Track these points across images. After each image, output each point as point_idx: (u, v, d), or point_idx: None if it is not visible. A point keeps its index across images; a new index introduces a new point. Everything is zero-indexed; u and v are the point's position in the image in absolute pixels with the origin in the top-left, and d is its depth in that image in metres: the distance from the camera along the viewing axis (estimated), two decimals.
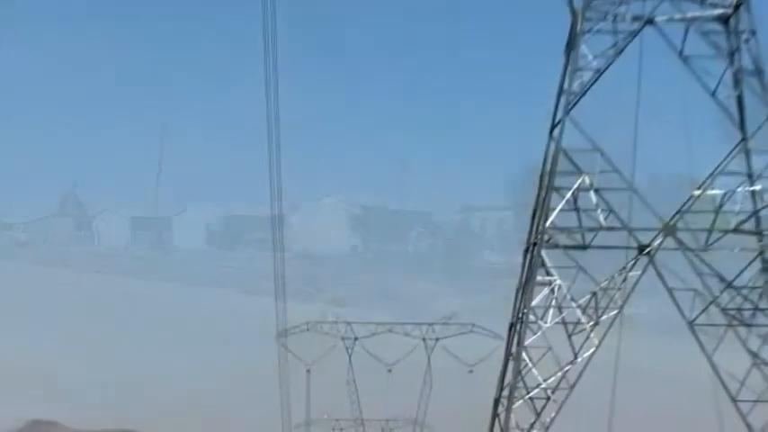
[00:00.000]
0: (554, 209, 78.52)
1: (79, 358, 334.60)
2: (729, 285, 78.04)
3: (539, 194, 79.51)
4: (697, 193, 78.69)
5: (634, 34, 79.23)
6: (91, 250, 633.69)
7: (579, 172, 78.69)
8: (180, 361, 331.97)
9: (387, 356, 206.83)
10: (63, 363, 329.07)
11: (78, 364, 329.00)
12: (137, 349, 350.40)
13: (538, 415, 79.15)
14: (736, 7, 78.86)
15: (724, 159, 78.78)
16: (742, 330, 78.34)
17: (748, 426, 78.28)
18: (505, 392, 79.43)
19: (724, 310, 78.33)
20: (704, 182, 78.74)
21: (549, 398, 79.01)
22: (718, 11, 79.10)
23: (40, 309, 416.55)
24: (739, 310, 78.25)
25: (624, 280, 78.96)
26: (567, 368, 78.83)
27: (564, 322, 79.44)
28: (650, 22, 79.33)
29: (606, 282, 79.20)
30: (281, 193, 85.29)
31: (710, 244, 78.38)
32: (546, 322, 79.46)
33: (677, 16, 79.34)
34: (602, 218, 78.64)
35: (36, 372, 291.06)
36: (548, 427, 79.13)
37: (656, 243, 78.30)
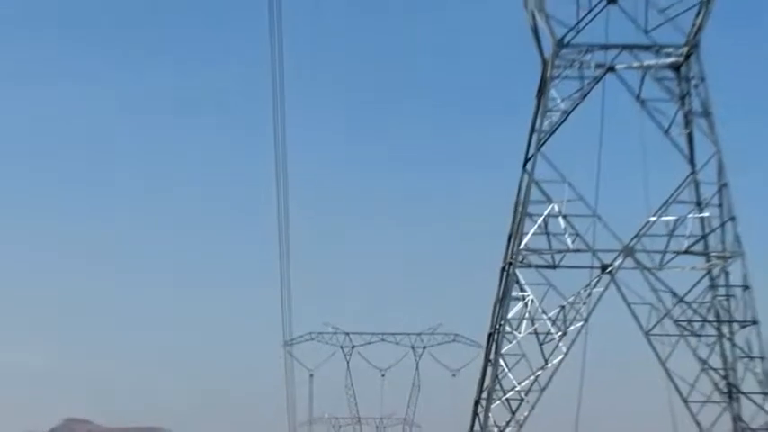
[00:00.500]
0: (527, 233, 79.88)
1: None
2: (681, 300, 78.98)
3: (513, 220, 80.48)
4: (653, 219, 79.62)
5: (597, 80, 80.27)
6: None
7: (549, 200, 79.85)
8: None
9: (380, 362, 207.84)
10: None
11: None
12: None
13: (513, 414, 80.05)
14: (687, 56, 79.96)
15: (676, 189, 79.71)
16: (692, 340, 79.14)
17: (698, 424, 79.06)
18: (484, 394, 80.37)
19: (676, 322, 79.10)
20: (659, 209, 79.59)
21: (522, 399, 79.91)
22: (671, 60, 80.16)
23: None
24: (689, 321, 79.03)
25: (588, 295, 79.91)
26: (538, 373, 79.75)
27: (536, 332, 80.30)
28: (611, 69, 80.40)
29: (573, 297, 80.00)
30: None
31: (664, 264, 79.47)
32: (520, 332, 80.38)
33: (635, 64, 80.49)
34: (569, 241, 79.77)
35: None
36: (522, 425, 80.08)
37: (617, 263, 79.35)
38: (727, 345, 79.03)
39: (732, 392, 78.92)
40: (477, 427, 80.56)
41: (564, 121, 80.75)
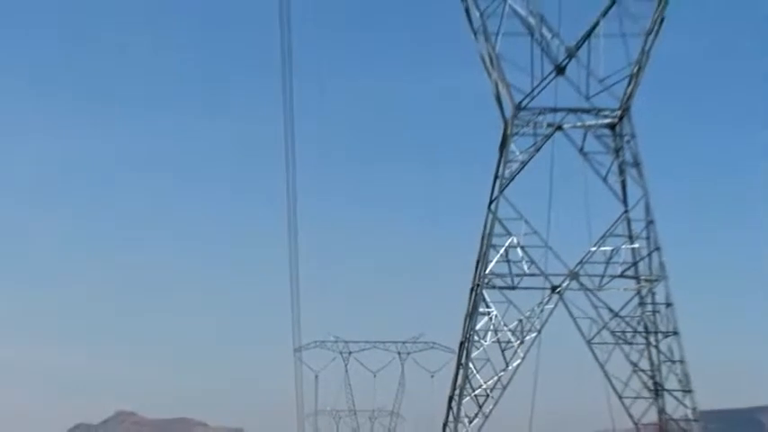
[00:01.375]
0: (491, 260, 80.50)
1: None
2: (616, 315, 79.70)
3: (480, 250, 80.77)
4: (593, 249, 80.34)
5: (548, 137, 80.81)
6: None
7: (509, 234, 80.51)
8: None
9: (372, 365, 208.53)
10: None
11: None
12: None
13: (480, 408, 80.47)
14: (621, 118, 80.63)
15: (612, 225, 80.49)
16: (625, 347, 79.85)
17: (630, 415, 79.88)
18: (457, 391, 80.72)
19: (612, 333, 79.82)
20: (598, 241, 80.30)
21: (488, 395, 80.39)
22: (608, 120, 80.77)
23: None
24: (623, 332, 79.76)
25: (541, 311, 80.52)
26: (500, 374, 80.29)
27: (498, 341, 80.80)
28: (560, 128, 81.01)
29: (528, 312, 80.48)
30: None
31: (603, 285, 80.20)
32: (486, 341, 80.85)
33: (579, 124, 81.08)
34: (525, 267, 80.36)
35: None
36: (487, 416, 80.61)
37: (564, 285, 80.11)
38: (653, 351, 79.52)
39: (658, 390, 79.62)
40: (450, 418, 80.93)
41: (521, 169, 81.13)
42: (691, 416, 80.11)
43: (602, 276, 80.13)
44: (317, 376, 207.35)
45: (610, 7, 79.69)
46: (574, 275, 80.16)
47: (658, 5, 79.13)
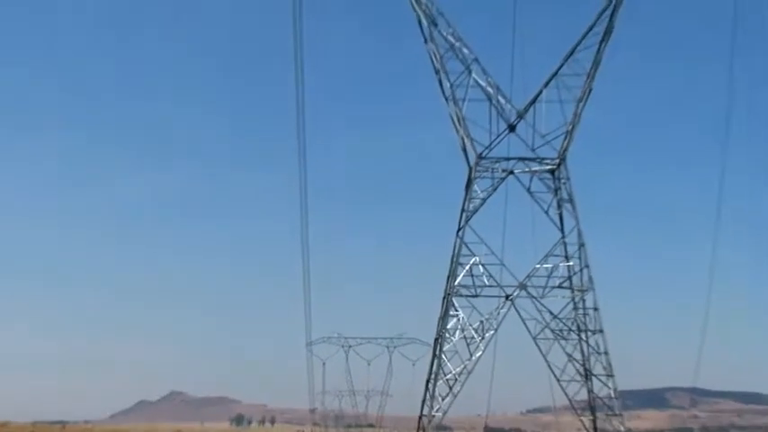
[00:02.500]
0: (459, 275, 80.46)
1: None
2: (555, 317, 79.94)
3: (450, 267, 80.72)
4: (538, 266, 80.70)
5: (502, 180, 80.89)
6: None
7: (473, 254, 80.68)
8: None
9: (367, 356, 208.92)
10: None
11: None
12: None
13: (450, 389, 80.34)
14: (559, 165, 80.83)
15: (552, 247, 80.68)
16: (563, 342, 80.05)
17: (566, 394, 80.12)
18: (432, 376, 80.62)
19: (552, 331, 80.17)
20: (542, 260, 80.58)
21: (456, 379, 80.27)
22: (549, 167, 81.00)
23: None
24: (561, 330, 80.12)
25: (498, 314, 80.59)
26: (466, 363, 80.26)
27: (465, 337, 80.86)
28: (512, 173, 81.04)
29: (488, 315, 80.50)
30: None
31: (545, 294, 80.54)
32: (455, 338, 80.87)
33: (526, 170, 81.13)
34: (485, 279, 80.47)
35: None
36: (456, 395, 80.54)
37: (515, 294, 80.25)
38: (584, 345, 79.58)
39: (587, 375, 79.72)
40: (427, 396, 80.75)
41: (482, 205, 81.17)
42: (612, 395, 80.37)
43: (545, 287, 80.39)
44: (324, 364, 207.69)
45: (550, 80, 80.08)
46: (523, 286, 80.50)
47: (587, 79, 79.66)
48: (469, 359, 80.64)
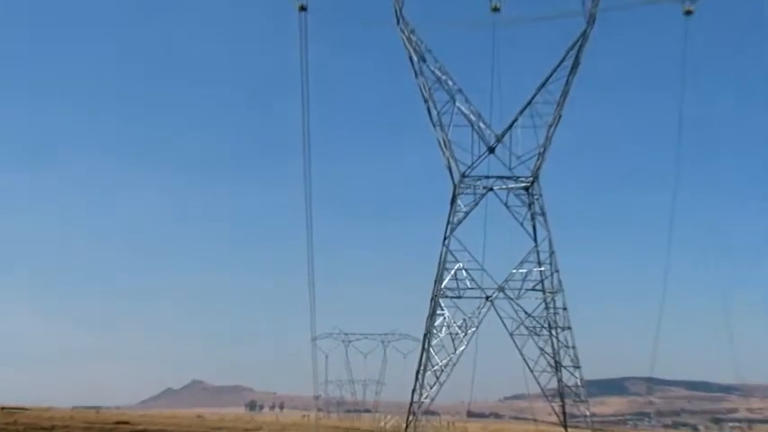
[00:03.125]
0: (445, 279, 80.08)
1: None
2: (529, 315, 79.61)
3: (438, 272, 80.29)
4: (514, 271, 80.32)
5: (483, 195, 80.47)
6: None
7: (457, 261, 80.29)
8: None
9: (364, 350, 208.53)
10: None
11: None
12: None
13: (437, 379, 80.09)
14: (532, 183, 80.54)
15: (527, 255, 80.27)
16: (536, 337, 79.63)
17: (538, 383, 79.73)
18: (422, 368, 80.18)
19: (527, 328, 79.85)
20: (517, 265, 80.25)
21: (443, 370, 79.87)
22: (523, 184, 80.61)
23: None
24: (534, 327, 79.81)
25: (479, 313, 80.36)
26: (451, 356, 80.00)
27: (450, 334, 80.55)
28: (491, 189, 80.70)
29: (470, 314, 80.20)
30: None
31: (521, 296, 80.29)
32: (441, 334, 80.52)
33: (504, 187, 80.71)
34: (468, 283, 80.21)
35: None
36: (442, 384, 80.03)
37: (494, 295, 79.93)
38: (554, 340, 79.37)
39: (557, 366, 79.53)
40: (417, 385, 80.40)
41: (465, 218, 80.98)
42: (579, 384, 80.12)
43: (520, 289, 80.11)
44: (326, 357, 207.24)
45: (525, 108, 79.92)
46: (501, 289, 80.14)
47: (557, 107, 79.50)
48: (454, 353, 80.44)
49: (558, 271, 79.95)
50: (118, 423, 64.24)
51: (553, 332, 79.44)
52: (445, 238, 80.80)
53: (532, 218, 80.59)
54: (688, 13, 76.60)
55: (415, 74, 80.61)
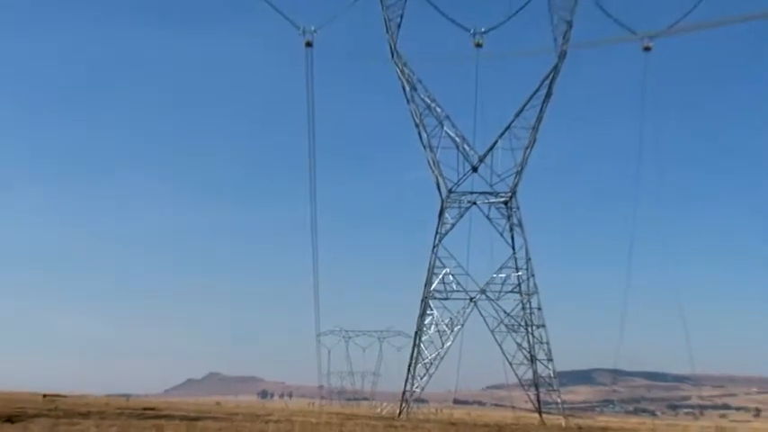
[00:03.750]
0: (434, 282, 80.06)
1: None
2: (508, 314, 79.45)
3: (427, 276, 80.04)
4: (495, 275, 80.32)
5: (467, 209, 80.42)
6: None
7: (444, 266, 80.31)
8: None
9: (362, 344, 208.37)
10: None
11: None
12: None
13: (427, 371, 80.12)
14: (511, 197, 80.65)
15: (506, 261, 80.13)
16: (514, 334, 79.47)
17: (516, 374, 79.56)
18: (413, 361, 79.99)
19: (506, 325, 79.71)
20: (498, 270, 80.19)
21: (432, 363, 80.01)
22: (503, 199, 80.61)
23: None
24: (512, 325, 79.60)
25: (464, 313, 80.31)
26: (439, 350, 79.95)
27: (438, 331, 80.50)
28: (474, 204, 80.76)
29: (456, 313, 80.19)
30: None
31: (500, 297, 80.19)
32: (430, 331, 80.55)
33: (486, 201, 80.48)
34: (454, 286, 79.93)
35: None
36: (431, 375, 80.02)
37: (477, 297, 79.95)
38: (530, 336, 79.28)
39: (533, 359, 79.42)
40: (409, 377, 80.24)
41: (451, 228, 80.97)
42: (552, 375, 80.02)
43: (500, 292, 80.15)
44: (329, 351, 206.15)
45: (504, 132, 80.00)
46: (483, 291, 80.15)
47: (532, 131, 79.66)
48: (442, 347, 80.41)
49: (533, 275, 80.00)
50: (145, 409, 63.96)
51: (529, 329, 79.38)
52: (434, 247, 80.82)
53: (511, 229, 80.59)
54: (646, 49, 76.88)
55: (408, 101, 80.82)
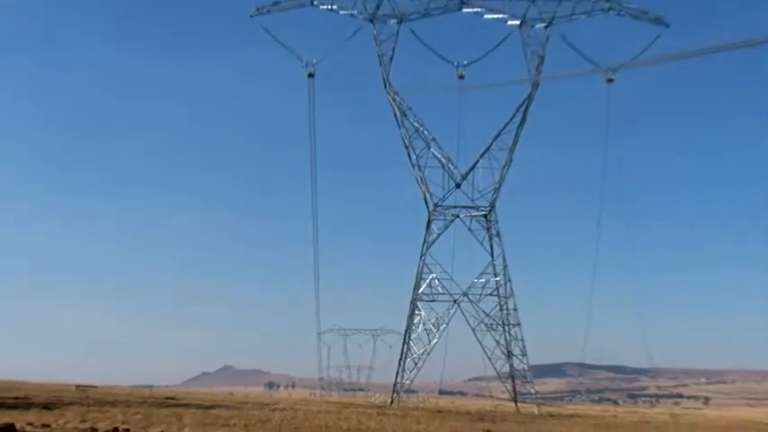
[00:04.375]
0: (422, 286, 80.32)
1: None
2: (487, 315, 79.73)
3: (416, 280, 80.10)
4: (476, 280, 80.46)
5: (452, 221, 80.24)
6: None
7: (431, 272, 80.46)
8: None
9: (358, 341, 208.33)
10: None
11: None
12: None
13: (416, 365, 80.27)
14: (490, 211, 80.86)
15: (486, 267, 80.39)
16: (492, 332, 79.64)
17: (494, 368, 79.70)
18: (403, 356, 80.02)
19: (486, 325, 79.80)
20: (478, 276, 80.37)
21: (420, 358, 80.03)
22: (483, 212, 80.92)
23: None
24: (491, 324, 79.66)
25: (449, 313, 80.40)
26: (427, 347, 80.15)
27: (425, 329, 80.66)
28: (458, 216, 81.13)
29: (441, 314, 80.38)
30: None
31: (480, 299, 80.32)
32: (419, 329, 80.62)
33: (468, 215, 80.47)
34: (440, 289, 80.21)
35: None
36: (419, 369, 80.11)
37: (460, 299, 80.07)
38: (507, 334, 79.45)
39: (509, 354, 79.64)
40: (399, 370, 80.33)
41: (437, 238, 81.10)
42: (526, 368, 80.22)
43: (480, 294, 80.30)
44: (329, 347, 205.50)
45: (484, 153, 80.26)
46: (465, 294, 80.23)
47: (509, 153, 79.94)
48: (428, 344, 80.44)
49: (509, 280, 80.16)
50: (167, 398, 63.90)
51: (506, 328, 79.53)
52: (422, 255, 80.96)
53: (490, 239, 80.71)
54: (610, 80, 77.47)
55: (399, 126, 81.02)
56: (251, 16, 77.93)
